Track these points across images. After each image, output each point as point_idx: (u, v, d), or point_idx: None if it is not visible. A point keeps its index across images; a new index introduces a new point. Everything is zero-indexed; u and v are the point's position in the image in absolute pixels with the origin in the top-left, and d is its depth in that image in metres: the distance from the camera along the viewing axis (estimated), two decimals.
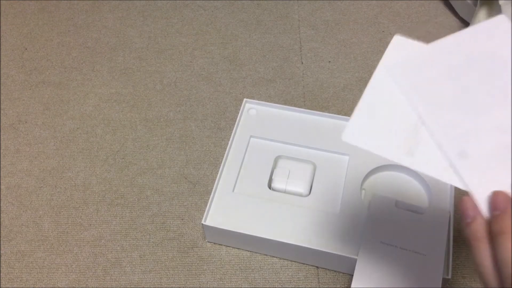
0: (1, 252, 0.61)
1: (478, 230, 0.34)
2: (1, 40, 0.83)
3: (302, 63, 0.78)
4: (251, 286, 0.57)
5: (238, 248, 0.60)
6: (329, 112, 0.69)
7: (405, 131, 0.37)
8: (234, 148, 0.64)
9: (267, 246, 0.58)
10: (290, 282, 0.58)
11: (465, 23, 0.81)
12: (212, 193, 0.59)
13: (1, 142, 0.71)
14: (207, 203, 0.59)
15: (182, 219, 0.63)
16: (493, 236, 0.33)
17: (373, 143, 0.37)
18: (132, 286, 0.58)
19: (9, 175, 0.67)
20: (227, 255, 0.60)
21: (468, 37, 0.38)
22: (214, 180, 0.64)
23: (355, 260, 0.54)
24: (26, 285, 0.59)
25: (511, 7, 0.67)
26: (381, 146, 0.37)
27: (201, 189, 0.65)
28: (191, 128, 0.71)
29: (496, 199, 0.34)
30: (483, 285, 0.33)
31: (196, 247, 0.61)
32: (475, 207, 0.35)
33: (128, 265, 0.59)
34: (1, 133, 0.72)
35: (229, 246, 0.60)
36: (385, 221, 0.56)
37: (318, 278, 0.58)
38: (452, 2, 0.83)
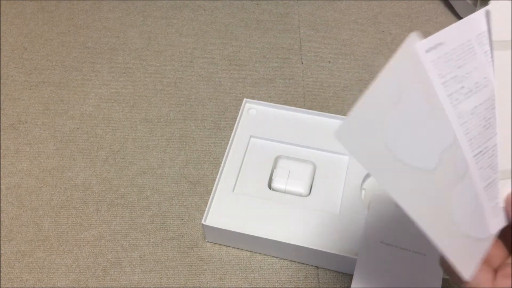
0: (1, 252, 0.61)
1: None
2: (1, 40, 0.83)
3: (302, 63, 0.78)
4: (251, 286, 0.57)
5: (238, 248, 0.60)
6: (329, 112, 0.69)
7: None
8: (234, 148, 0.64)
9: (267, 246, 0.58)
10: (290, 282, 0.58)
11: None
12: (212, 193, 0.59)
13: (1, 142, 0.71)
14: (207, 203, 0.59)
15: (182, 219, 0.63)
16: None
17: (368, 153, 0.29)
18: (132, 286, 0.58)
19: (9, 175, 0.67)
20: (227, 255, 0.60)
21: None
22: (214, 180, 0.64)
23: (355, 260, 0.54)
24: (26, 285, 0.59)
25: (511, 7, 0.67)
26: (375, 161, 0.29)
27: (201, 189, 0.65)
28: (191, 128, 0.71)
29: None
30: None
31: (196, 247, 0.61)
32: None
33: (128, 265, 0.59)
34: (1, 133, 0.72)
35: (229, 246, 0.60)
36: (385, 221, 0.56)
37: (318, 278, 0.58)
38: (452, 2, 0.83)
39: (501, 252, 0.34)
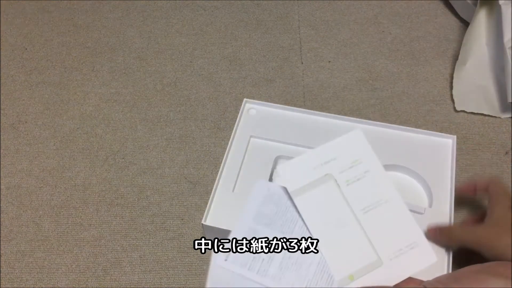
0: (1, 252, 0.61)
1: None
2: (1, 40, 0.83)
3: (302, 63, 0.78)
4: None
5: None
6: (329, 112, 0.69)
7: None
8: (234, 148, 0.64)
9: None
10: None
11: (465, 23, 0.81)
12: (212, 193, 0.59)
13: (1, 142, 0.71)
14: (207, 203, 0.59)
15: (182, 219, 0.63)
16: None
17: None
18: (132, 286, 0.58)
19: (9, 175, 0.67)
20: None
21: None
22: (214, 180, 0.64)
23: None
24: (26, 285, 0.59)
25: (511, 7, 0.67)
26: None
27: (201, 189, 0.65)
28: (191, 128, 0.71)
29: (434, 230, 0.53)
30: None
31: None
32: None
33: (128, 265, 0.59)
34: (1, 133, 0.72)
35: None
36: None
37: None
38: (452, 2, 0.83)
39: None
